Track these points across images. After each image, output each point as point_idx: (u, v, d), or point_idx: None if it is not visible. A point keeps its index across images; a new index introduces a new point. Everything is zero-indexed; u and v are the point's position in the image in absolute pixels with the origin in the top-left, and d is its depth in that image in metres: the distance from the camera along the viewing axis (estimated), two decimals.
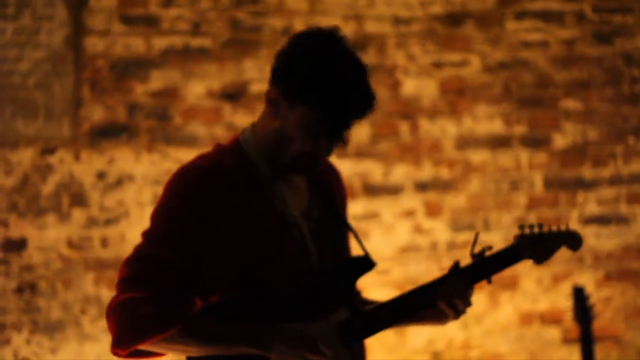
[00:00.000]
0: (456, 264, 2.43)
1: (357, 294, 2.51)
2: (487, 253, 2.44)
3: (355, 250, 2.45)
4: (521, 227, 2.50)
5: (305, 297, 2.26)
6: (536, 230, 2.49)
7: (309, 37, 2.24)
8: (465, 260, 2.45)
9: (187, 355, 2.27)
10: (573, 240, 2.54)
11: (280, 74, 2.23)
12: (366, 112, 2.22)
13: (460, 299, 2.38)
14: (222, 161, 2.27)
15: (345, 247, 2.44)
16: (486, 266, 2.44)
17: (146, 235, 2.22)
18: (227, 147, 2.33)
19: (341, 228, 2.42)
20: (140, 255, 2.18)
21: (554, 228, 2.51)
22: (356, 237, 2.42)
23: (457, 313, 2.40)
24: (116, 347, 2.16)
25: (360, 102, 2.21)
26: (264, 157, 2.29)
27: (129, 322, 2.13)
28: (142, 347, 2.15)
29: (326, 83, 2.18)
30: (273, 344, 2.18)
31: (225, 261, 2.20)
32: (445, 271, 2.44)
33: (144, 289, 2.13)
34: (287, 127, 2.23)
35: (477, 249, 2.45)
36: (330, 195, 2.41)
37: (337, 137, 2.23)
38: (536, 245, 2.49)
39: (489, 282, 2.45)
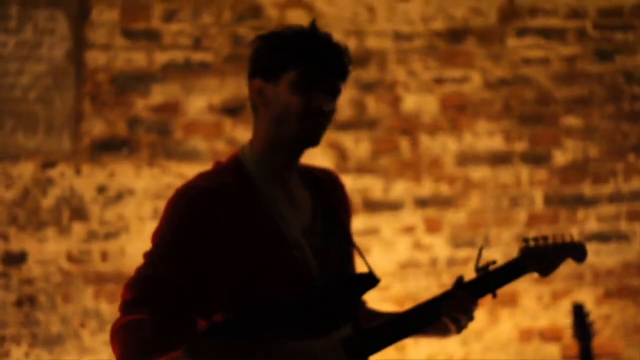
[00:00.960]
0: (460, 279, 2.43)
1: (362, 303, 2.51)
2: (492, 267, 2.45)
3: (359, 265, 2.44)
4: (526, 240, 2.50)
5: (308, 314, 2.25)
6: (541, 243, 2.50)
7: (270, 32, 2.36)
8: (467, 277, 2.45)
9: None
10: (578, 252, 2.55)
11: (259, 61, 2.30)
12: (343, 58, 2.29)
13: (464, 314, 2.38)
14: (222, 180, 2.26)
15: (350, 262, 2.42)
16: (492, 280, 2.44)
17: (148, 256, 2.21)
18: (226, 165, 2.33)
19: (345, 242, 2.42)
20: (142, 277, 2.17)
21: (559, 240, 2.52)
22: (360, 253, 2.41)
23: (460, 328, 2.40)
24: None
25: (335, 51, 2.29)
26: (264, 170, 2.29)
27: (133, 345, 2.11)
28: None
29: (302, 42, 2.27)
30: None
31: (229, 277, 2.19)
32: (445, 288, 2.44)
33: (147, 311, 2.12)
34: (281, 102, 2.26)
35: (481, 264, 2.45)
36: (333, 208, 2.41)
37: (327, 88, 2.27)
38: (541, 258, 2.50)
39: (495, 296, 2.45)
